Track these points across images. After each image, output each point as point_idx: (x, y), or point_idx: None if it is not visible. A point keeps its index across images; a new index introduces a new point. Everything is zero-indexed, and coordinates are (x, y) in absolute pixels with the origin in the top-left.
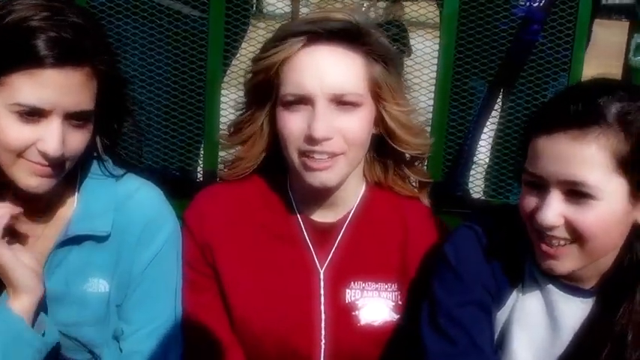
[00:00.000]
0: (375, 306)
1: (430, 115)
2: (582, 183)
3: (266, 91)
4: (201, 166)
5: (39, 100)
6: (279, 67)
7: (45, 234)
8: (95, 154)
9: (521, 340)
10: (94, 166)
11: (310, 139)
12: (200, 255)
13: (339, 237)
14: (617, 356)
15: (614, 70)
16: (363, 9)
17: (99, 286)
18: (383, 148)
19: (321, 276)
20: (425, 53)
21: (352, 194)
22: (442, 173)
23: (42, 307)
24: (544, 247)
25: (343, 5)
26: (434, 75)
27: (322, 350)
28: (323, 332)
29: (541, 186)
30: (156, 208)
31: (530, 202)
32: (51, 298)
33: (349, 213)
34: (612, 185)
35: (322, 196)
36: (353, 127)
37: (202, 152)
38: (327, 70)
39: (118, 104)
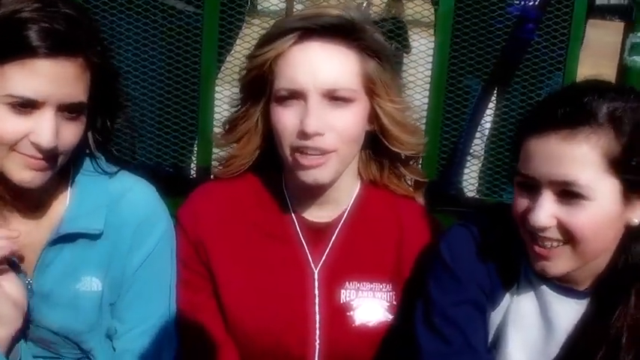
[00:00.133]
0: (370, 306)
1: (425, 114)
2: (574, 183)
3: (260, 87)
4: (195, 162)
5: (32, 91)
6: (272, 62)
7: (37, 231)
8: (88, 151)
9: (516, 342)
10: (87, 162)
11: (302, 134)
12: (194, 253)
13: (334, 236)
14: (611, 359)
15: (607, 70)
16: (363, 8)
17: (92, 284)
18: (378, 146)
19: (316, 276)
20: (420, 51)
21: (347, 193)
22: (436, 171)
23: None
24: (537, 248)
25: (338, 2)
26: (429, 73)
27: (316, 350)
28: (317, 332)
29: (533, 187)
30: (150, 206)
31: (523, 203)
32: (42, 297)
33: (344, 212)
34: (604, 185)
35: (316, 194)
36: (346, 123)
37: (196, 149)
38: (320, 65)
39: (110, 98)
